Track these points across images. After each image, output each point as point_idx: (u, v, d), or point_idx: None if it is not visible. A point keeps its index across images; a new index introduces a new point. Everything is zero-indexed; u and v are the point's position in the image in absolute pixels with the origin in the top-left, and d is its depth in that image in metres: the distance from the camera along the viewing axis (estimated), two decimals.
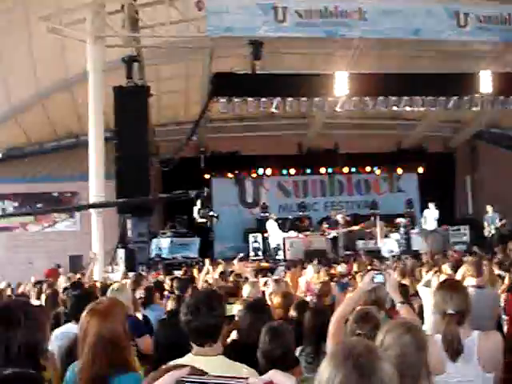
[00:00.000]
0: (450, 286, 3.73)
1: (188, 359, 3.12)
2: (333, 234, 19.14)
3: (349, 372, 1.77)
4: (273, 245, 19.05)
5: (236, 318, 5.34)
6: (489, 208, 18.92)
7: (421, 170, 24.93)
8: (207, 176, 23.60)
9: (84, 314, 3.08)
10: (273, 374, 2.01)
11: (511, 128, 23.34)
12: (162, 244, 17.84)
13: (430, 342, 2.88)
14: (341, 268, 12.12)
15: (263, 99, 15.70)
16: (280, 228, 19.49)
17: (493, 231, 18.35)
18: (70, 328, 4.96)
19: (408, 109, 17.01)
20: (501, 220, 18.48)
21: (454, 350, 3.40)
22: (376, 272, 3.92)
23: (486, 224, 18.70)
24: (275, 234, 19.15)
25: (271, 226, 19.37)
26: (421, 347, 2.74)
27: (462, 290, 3.66)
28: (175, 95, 20.02)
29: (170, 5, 14.56)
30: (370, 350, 1.85)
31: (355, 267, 11.24)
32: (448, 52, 17.78)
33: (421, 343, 2.75)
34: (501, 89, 16.29)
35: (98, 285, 9.19)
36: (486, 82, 16.14)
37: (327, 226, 19.61)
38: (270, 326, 3.96)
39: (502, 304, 6.81)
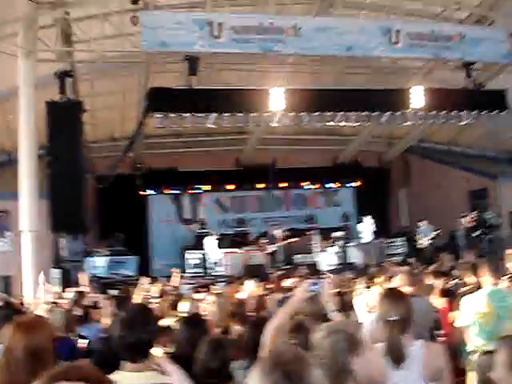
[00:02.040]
0: (394, 295, 3.83)
1: (118, 376, 3.01)
2: (271, 248, 19.23)
3: (277, 379, 1.75)
4: (211, 261, 18.93)
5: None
6: (421, 223, 19.38)
7: (356, 184, 25.38)
8: (143, 193, 23.40)
9: (9, 327, 2.95)
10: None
11: (442, 142, 24.06)
12: (98, 263, 17.45)
13: (368, 350, 2.86)
14: (286, 283, 12.02)
15: (199, 115, 15.62)
16: (219, 244, 19.40)
17: (426, 243, 18.76)
18: None
19: (343, 124, 17.26)
20: (435, 231, 18.92)
21: (398, 356, 3.43)
22: (311, 281, 3.93)
23: (419, 236, 19.11)
24: (213, 251, 19.05)
25: (209, 242, 19.25)
26: (352, 346, 2.71)
27: (404, 299, 3.76)
28: (111, 111, 19.74)
29: (104, 19, 14.38)
30: (298, 357, 1.83)
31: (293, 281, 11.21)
32: (381, 68, 18.19)
33: (352, 342, 2.72)
34: (432, 104, 16.71)
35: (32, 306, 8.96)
36: (417, 98, 16.54)
37: (265, 241, 19.68)
38: (211, 338, 3.94)
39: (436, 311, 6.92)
